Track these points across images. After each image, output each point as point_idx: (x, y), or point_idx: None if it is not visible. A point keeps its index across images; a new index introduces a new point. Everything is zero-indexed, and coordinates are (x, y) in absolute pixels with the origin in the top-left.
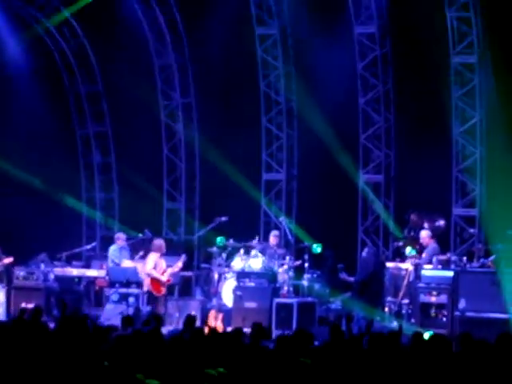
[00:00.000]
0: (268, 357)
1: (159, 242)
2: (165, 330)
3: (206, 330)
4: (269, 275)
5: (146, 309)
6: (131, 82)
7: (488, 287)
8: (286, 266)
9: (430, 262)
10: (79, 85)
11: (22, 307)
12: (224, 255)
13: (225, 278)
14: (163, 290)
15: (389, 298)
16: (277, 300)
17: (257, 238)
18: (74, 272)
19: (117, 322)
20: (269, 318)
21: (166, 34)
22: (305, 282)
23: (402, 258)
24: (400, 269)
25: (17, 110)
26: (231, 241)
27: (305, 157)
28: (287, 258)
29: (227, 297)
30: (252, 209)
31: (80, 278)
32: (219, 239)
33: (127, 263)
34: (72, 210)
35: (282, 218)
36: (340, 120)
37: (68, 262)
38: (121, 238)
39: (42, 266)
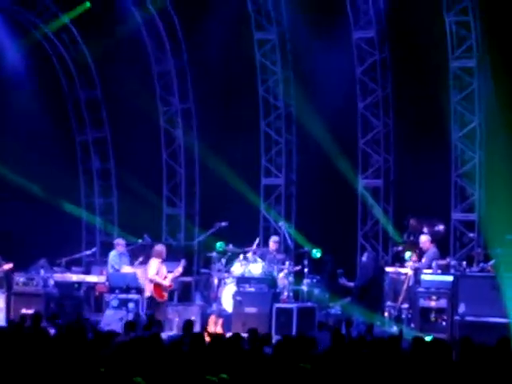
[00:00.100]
0: (267, 362)
1: (160, 247)
2: (164, 335)
3: (206, 335)
4: (269, 280)
5: (145, 315)
6: (130, 88)
7: (487, 292)
8: (285, 271)
9: (430, 267)
10: (78, 91)
11: (22, 314)
12: (224, 260)
13: (224, 283)
14: (165, 296)
15: (388, 303)
16: (277, 305)
17: (256, 241)
18: (74, 278)
19: (117, 327)
20: (269, 323)
21: (164, 40)
22: (304, 287)
23: (402, 262)
24: (400, 273)
25: (16, 115)
26: (231, 246)
27: (304, 161)
28: (287, 263)
29: (227, 302)
30: (251, 214)
31: (80, 284)
32: (219, 244)
33: (127, 269)
34: (71, 216)
35: (282, 223)
36: (339, 125)
37: (68, 267)
38: (120, 243)
39: (42, 271)
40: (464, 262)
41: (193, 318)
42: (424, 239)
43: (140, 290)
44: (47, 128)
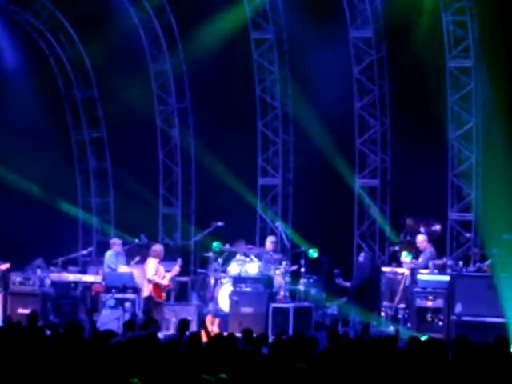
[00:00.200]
0: (263, 362)
1: (158, 247)
2: (161, 334)
3: (204, 336)
4: (265, 280)
5: (142, 314)
6: (127, 88)
7: (484, 291)
8: (281, 270)
9: (426, 267)
10: (75, 90)
11: (18, 313)
12: (220, 260)
13: (221, 283)
14: (164, 296)
15: (385, 303)
16: (273, 305)
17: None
18: (71, 277)
19: (113, 327)
20: (265, 322)
21: (161, 39)
22: (301, 287)
23: (399, 262)
24: (396, 273)
25: (12, 115)
26: (227, 246)
27: (301, 161)
28: (283, 262)
29: (223, 302)
30: (248, 214)
31: (76, 284)
32: (215, 244)
33: (123, 269)
34: (68, 216)
35: (279, 223)
36: (336, 124)
37: (64, 267)
38: (116, 243)
39: (39, 271)
40: (460, 262)
41: (189, 317)
42: (421, 239)
43: (137, 290)
44: (44, 127)
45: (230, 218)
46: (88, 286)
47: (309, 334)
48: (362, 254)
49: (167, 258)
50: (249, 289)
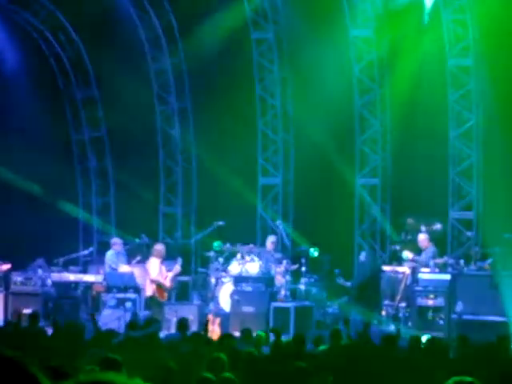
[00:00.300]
0: (265, 361)
1: (160, 246)
2: (162, 334)
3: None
4: (266, 279)
5: (143, 313)
6: (127, 87)
7: (485, 290)
8: (282, 269)
9: (428, 265)
10: (75, 90)
11: (19, 312)
12: (221, 259)
13: (222, 283)
14: (166, 296)
15: (386, 302)
16: (274, 304)
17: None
18: (71, 277)
19: (114, 326)
20: (266, 322)
21: (161, 39)
22: (302, 286)
23: (399, 261)
24: (397, 272)
25: (12, 115)
26: (228, 245)
27: (301, 161)
28: (284, 262)
29: (224, 301)
30: (248, 213)
31: (77, 284)
32: (216, 244)
33: (124, 268)
34: (69, 215)
35: (279, 222)
36: (336, 123)
37: (65, 267)
38: (117, 243)
39: (40, 271)
40: (461, 261)
41: (190, 317)
42: (422, 237)
43: (138, 290)
44: (44, 127)
45: (231, 217)
46: (89, 286)
47: (307, 333)
48: (363, 254)
49: (168, 257)
50: (250, 288)
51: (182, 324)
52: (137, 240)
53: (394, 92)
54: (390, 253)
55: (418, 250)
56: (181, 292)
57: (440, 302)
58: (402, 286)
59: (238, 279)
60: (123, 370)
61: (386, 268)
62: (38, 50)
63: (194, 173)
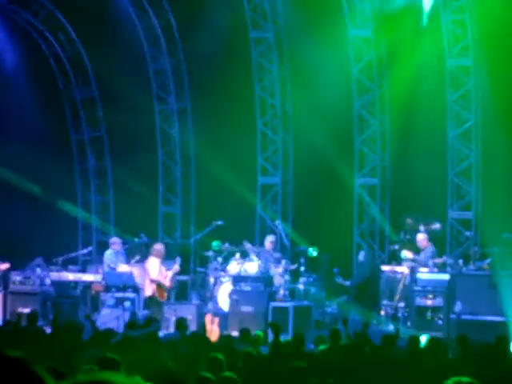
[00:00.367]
0: (264, 361)
1: (160, 246)
2: (160, 333)
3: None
4: (265, 279)
5: (142, 313)
6: (126, 87)
7: (484, 290)
8: (281, 268)
9: (427, 265)
10: (74, 90)
11: (18, 312)
12: (220, 259)
13: (221, 282)
14: (166, 296)
15: (385, 302)
16: (273, 304)
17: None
18: (70, 277)
19: (113, 326)
20: (265, 321)
21: (160, 38)
22: (301, 286)
23: (398, 261)
24: (396, 272)
25: (12, 114)
26: (227, 245)
27: (300, 160)
28: (283, 261)
29: (223, 301)
30: (248, 213)
31: (76, 283)
32: (215, 243)
33: (123, 268)
34: (68, 215)
35: (278, 222)
36: (335, 123)
37: (64, 266)
38: (116, 242)
39: (38, 270)
40: (460, 261)
41: (189, 316)
42: (421, 237)
43: (136, 289)
44: (43, 127)
45: (230, 216)
46: (88, 285)
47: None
48: (362, 253)
49: (167, 257)
50: (248, 288)
51: (181, 324)
52: (136, 239)
53: (393, 92)
54: (388, 253)
55: (416, 250)
56: (180, 291)
57: (439, 301)
58: (401, 285)
59: (237, 279)
60: (121, 369)
61: (384, 268)
62: (37, 50)
63: (193, 172)
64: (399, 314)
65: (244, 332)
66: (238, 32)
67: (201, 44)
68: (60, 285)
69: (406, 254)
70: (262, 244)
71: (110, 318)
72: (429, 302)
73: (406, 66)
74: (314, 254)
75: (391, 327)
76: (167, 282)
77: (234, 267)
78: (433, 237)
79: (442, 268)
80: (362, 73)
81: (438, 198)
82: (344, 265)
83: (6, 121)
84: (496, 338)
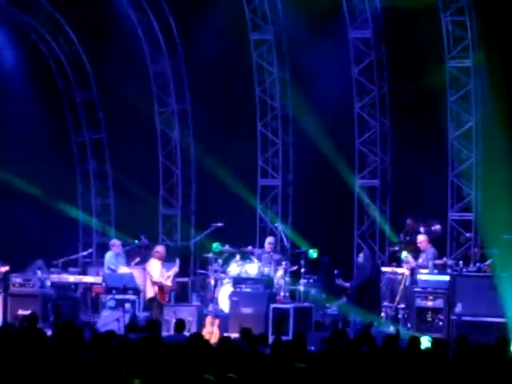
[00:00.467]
0: (264, 362)
1: (161, 248)
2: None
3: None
4: (265, 281)
5: (142, 315)
6: (126, 89)
7: (484, 291)
8: (281, 271)
9: (428, 266)
10: (74, 92)
11: (18, 314)
12: (220, 261)
13: (221, 284)
14: (167, 298)
15: (385, 303)
16: (273, 305)
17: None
18: (71, 279)
19: (113, 328)
20: (265, 323)
21: (160, 40)
22: (301, 287)
23: (399, 262)
24: (396, 273)
25: (12, 117)
26: (227, 247)
27: (300, 162)
28: (283, 263)
29: (223, 302)
30: (248, 215)
31: (76, 285)
32: (215, 245)
33: (123, 270)
34: (68, 217)
35: (278, 224)
36: (335, 125)
37: (64, 268)
38: (116, 244)
39: (39, 272)
40: (461, 262)
41: (189, 318)
42: (422, 239)
43: (137, 291)
44: (44, 129)
45: (230, 218)
46: (88, 287)
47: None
48: (361, 255)
49: (167, 259)
50: (249, 289)
51: (181, 325)
52: (136, 241)
53: (392, 93)
54: (389, 254)
55: (417, 252)
56: (180, 293)
57: (439, 303)
58: (401, 287)
59: (237, 280)
60: (123, 372)
61: (385, 269)
62: (37, 52)
63: (194, 174)
64: (399, 316)
65: (245, 332)
66: (238, 34)
67: (201, 46)
68: (60, 287)
69: (407, 257)
70: (262, 246)
71: (110, 320)
72: (429, 304)
73: (405, 67)
74: (315, 255)
75: (391, 329)
76: (168, 283)
77: (234, 269)
78: (433, 238)
79: (442, 269)
80: (361, 74)
81: (438, 200)
82: (344, 266)
83: (6, 123)
84: (497, 340)
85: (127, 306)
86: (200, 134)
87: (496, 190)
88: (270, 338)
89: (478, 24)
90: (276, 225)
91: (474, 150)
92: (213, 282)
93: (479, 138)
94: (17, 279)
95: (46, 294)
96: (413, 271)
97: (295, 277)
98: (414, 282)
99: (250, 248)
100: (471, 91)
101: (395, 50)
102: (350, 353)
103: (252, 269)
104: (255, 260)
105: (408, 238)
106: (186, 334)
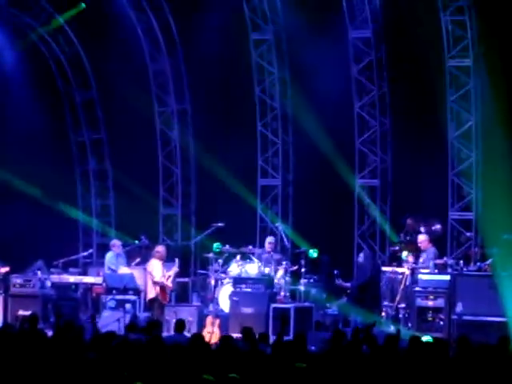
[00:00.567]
0: (265, 361)
1: (162, 248)
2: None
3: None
4: (265, 280)
5: (143, 315)
6: (126, 89)
7: (485, 291)
8: (282, 271)
9: (429, 266)
10: (74, 92)
11: (18, 315)
12: (220, 261)
13: (221, 284)
14: (168, 298)
15: (386, 303)
16: (273, 305)
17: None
18: (71, 279)
19: (114, 328)
20: (266, 323)
21: (160, 40)
22: (301, 287)
23: (399, 262)
24: (397, 273)
25: (12, 117)
26: (227, 246)
27: (300, 162)
28: (284, 263)
29: (224, 302)
30: (248, 214)
31: (77, 285)
32: (215, 245)
33: (124, 270)
34: (68, 218)
35: (279, 224)
36: (335, 125)
37: (65, 269)
38: (116, 244)
39: (39, 273)
40: (461, 262)
41: (190, 318)
42: (422, 238)
43: (137, 291)
44: (43, 129)
45: (230, 218)
46: (89, 288)
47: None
48: (361, 255)
49: (167, 259)
50: (249, 289)
51: (181, 326)
52: (136, 242)
53: (392, 93)
54: (389, 254)
55: (417, 251)
56: (180, 293)
57: (440, 302)
58: (402, 286)
59: (238, 280)
60: (124, 372)
61: (385, 269)
62: (37, 52)
63: (194, 174)
64: (400, 315)
65: (246, 331)
66: (237, 33)
67: (200, 45)
68: (61, 287)
69: (408, 258)
70: (262, 246)
71: (110, 321)
72: (430, 303)
73: (405, 66)
74: (315, 255)
75: (392, 328)
76: (169, 283)
77: (234, 269)
78: (433, 238)
79: (442, 269)
80: (361, 74)
81: (438, 199)
82: (345, 266)
83: (6, 123)
84: (498, 339)
85: (128, 306)
86: (200, 133)
87: (496, 190)
88: (271, 338)
89: (478, 23)
90: (276, 225)
91: (474, 150)
92: (213, 282)
93: (479, 138)
94: (17, 280)
95: (47, 294)
96: (413, 271)
97: (295, 277)
98: (414, 281)
99: (250, 248)
100: (471, 91)
101: (395, 50)
102: (350, 353)
103: (252, 269)
104: (255, 260)
105: (408, 238)
106: (187, 334)
